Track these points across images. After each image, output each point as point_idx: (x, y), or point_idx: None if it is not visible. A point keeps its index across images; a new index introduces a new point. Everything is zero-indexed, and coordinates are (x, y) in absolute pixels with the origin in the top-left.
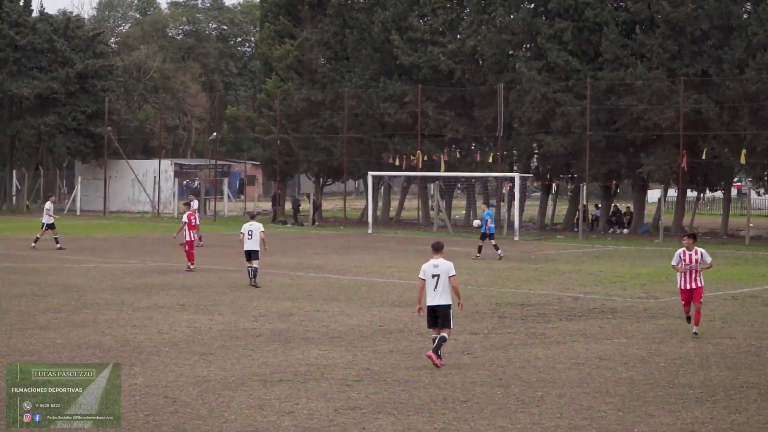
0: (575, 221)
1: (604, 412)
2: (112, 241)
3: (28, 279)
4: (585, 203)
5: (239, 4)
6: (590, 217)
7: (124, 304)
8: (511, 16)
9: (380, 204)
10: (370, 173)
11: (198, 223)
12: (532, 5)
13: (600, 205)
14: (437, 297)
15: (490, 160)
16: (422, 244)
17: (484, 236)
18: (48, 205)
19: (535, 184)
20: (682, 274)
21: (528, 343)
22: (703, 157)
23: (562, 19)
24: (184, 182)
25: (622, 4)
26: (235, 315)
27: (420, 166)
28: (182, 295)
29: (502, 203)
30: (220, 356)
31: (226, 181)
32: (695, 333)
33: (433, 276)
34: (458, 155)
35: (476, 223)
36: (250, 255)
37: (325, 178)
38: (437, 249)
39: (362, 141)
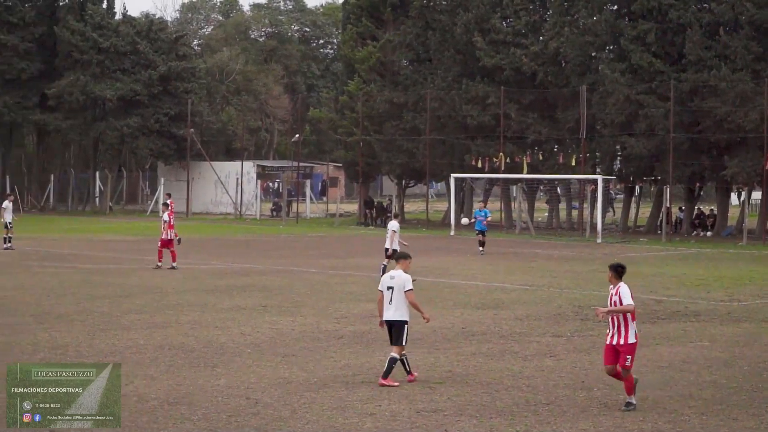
0: (658, 224)
1: (687, 415)
2: (195, 242)
3: (110, 280)
4: (668, 206)
5: (321, 6)
6: (673, 219)
7: (206, 306)
8: (594, 18)
9: (463, 206)
10: (453, 175)
11: (174, 222)
12: (616, 6)
13: (683, 208)
14: (391, 311)
15: (573, 163)
16: (504, 246)
17: (480, 232)
18: (6, 204)
19: (618, 187)
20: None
21: None
22: None
23: (645, 21)
24: (266, 184)
25: (705, 5)
26: (318, 317)
27: (502, 168)
28: (264, 297)
29: (585, 205)
30: (302, 358)
31: (308, 182)
32: (628, 404)
33: (388, 288)
34: (541, 157)
35: (465, 221)
36: (391, 253)
37: (408, 179)
38: (398, 259)
39: (444, 143)
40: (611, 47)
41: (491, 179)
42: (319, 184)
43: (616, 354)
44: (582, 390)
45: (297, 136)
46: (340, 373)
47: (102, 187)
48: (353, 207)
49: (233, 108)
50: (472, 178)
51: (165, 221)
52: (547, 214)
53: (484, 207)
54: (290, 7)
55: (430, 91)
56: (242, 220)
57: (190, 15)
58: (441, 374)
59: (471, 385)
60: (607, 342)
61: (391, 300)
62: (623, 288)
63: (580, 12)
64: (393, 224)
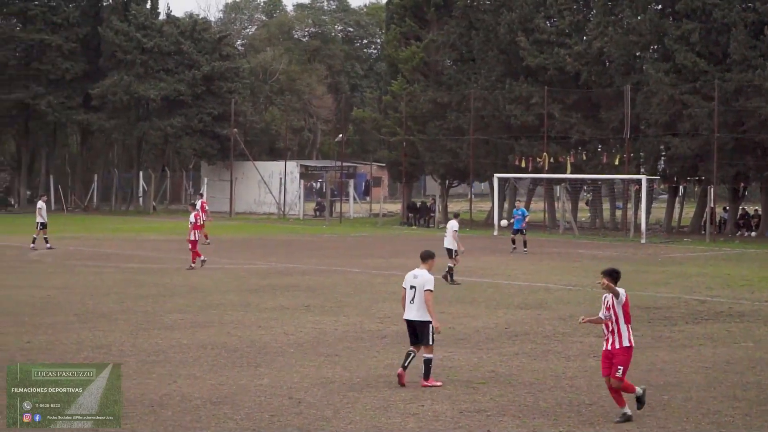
0: (702, 224)
1: (731, 416)
2: (238, 242)
3: (154, 280)
4: (712, 206)
5: (365, 6)
6: (718, 219)
7: (249, 305)
8: (638, 18)
9: (506, 206)
10: (496, 175)
11: (202, 222)
12: (660, 6)
13: (728, 208)
14: (413, 310)
15: (617, 162)
16: (548, 246)
17: (516, 231)
18: (40, 204)
19: (662, 187)
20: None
21: (654, 346)
22: None
23: (689, 20)
24: (309, 184)
25: (750, 5)
26: (361, 317)
27: (546, 168)
28: (307, 297)
29: (629, 205)
30: (345, 358)
31: (351, 182)
32: (623, 414)
33: (411, 287)
34: (584, 157)
35: (504, 222)
36: (447, 253)
37: (451, 179)
38: (423, 258)
39: (488, 143)
40: (655, 47)
41: (535, 179)
42: (363, 184)
43: (611, 361)
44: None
45: (340, 135)
46: (383, 373)
47: (145, 187)
48: (396, 207)
49: (277, 108)
50: (515, 178)
51: (191, 222)
52: (589, 214)
53: (522, 206)
54: (334, 7)
55: (473, 90)
56: (285, 220)
57: (233, 15)
58: (484, 374)
59: (514, 386)
60: (605, 348)
61: (413, 299)
62: (615, 295)
63: (624, 12)
64: (453, 224)
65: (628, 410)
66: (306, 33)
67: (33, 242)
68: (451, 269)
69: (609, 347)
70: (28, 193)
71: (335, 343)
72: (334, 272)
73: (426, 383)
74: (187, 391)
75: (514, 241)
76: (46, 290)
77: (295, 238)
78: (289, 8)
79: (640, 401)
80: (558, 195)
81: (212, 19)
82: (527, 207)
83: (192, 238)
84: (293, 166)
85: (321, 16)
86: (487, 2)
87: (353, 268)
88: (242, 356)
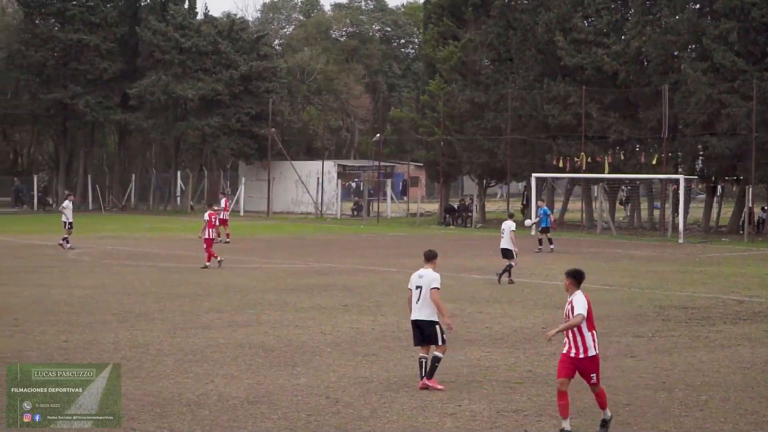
0: (740, 224)
1: None
2: (275, 241)
3: (191, 279)
4: (751, 206)
5: (403, 5)
6: (756, 219)
7: (287, 305)
8: (676, 17)
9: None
10: (534, 175)
11: (217, 222)
12: (698, 5)
13: (766, 208)
14: (419, 311)
15: (655, 162)
16: (586, 246)
17: (544, 230)
18: (66, 203)
19: (700, 186)
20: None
21: (692, 346)
22: None
23: (727, 20)
24: (346, 184)
25: None
26: (398, 316)
27: (584, 168)
28: (345, 296)
29: (666, 205)
30: (382, 357)
31: (389, 182)
32: (604, 420)
33: (416, 287)
34: (622, 157)
35: (528, 222)
36: (503, 253)
37: (488, 179)
38: (428, 258)
39: (525, 142)
40: (693, 46)
41: (572, 179)
42: (400, 183)
43: (573, 366)
44: (662, 391)
45: (378, 135)
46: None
47: (183, 187)
48: (434, 207)
49: (314, 107)
50: (553, 178)
51: (205, 220)
52: (627, 213)
53: (544, 206)
54: (371, 6)
55: (511, 90)
56: (323, 219)
57: (271, 15)
58: (521, 374)
59: (551, 385)
60: (564, 352)
61: (418, 299)
62: (577, 297)
63: (662, 11)
64: (510, 224)
65: (609, 413)
66: (344, 33)
67: (67, 242)
68: (509, 268)
69: (572, 355)
70: (66, 192)
71: (372, 342)
72: (372, 272)
73: (428, 382)
74: (225, 391)
75: (541, 242)
76: (83, 289)
77: (333, 238)
78: (327, 8)
79: (604, 425)
80: (595, 195)
81: (250, 18)
82: (564, 206)
83: (207, 236)
84: (331, 166)
85: (359, 16)
86: (525, 2)
87: (391, 267)
88: (279, 356)
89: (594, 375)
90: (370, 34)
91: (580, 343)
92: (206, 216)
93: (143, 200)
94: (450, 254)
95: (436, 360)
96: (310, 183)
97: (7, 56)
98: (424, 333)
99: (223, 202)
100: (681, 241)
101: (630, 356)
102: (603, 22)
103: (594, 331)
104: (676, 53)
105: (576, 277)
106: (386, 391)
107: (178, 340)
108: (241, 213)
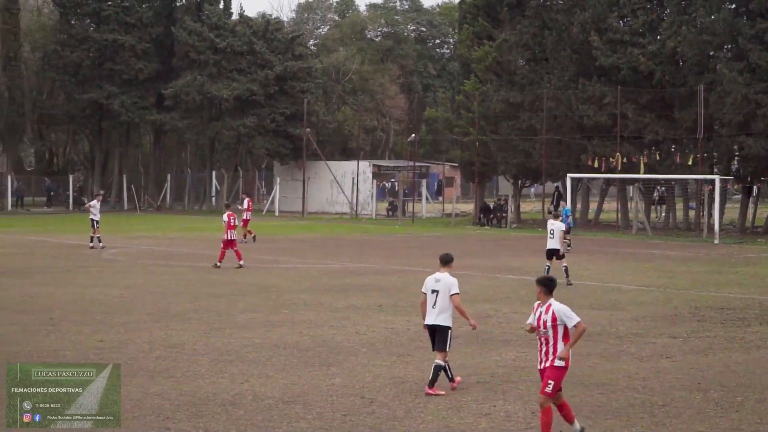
0: None
1: None
2: (310, 242)
3: (226, 279)
4: None
5: (438, 5)
6: None
7: (321, 305)
8: (712, 17)
9: (579, 206)
10: (569, 175)
11: (236, 223)
12: (734, 5)
13: None
14: (434, 315)
15: (690, 163)
16: (621, 246)
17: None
18: (93, 202)
19: (736, 187)
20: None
21: (728, 347)
22: None
23: (763, 19)
24: (381, 184)
25: None
26: None
27: (619, 168)
28: (380, 296)
29: (701, 206)
30: (417, 357)
31: (424, 182)
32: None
33: (433, 291)
34: (658, 157)
35: None
36: (551, 254)
37: (524, 179)
38: (445, 262)
39: (561, 143)
40: (729, 46)
41: (607, 179)
42: (435, 183)
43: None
44: (698, 392)
45: (413, 135)
46: (455, 373)
47: (218, 187)
48: (469, 207)
49: (349, 108)
50: (588, 178)
51: (224, 221)
52: (658, 214)
53: (566, 206)
54: (406, 6)
55: (546, 90)
56: (358, 219)
57: (306, 15)
58: None
59: (586, 386)
60: (539, 368)
61: (435, 304)
62: (558, 307)
63: (698, 11)
64: (559, 224)
65: (577, 425)
66: (379, 33)
67: (99, 241)
68: (565, 268)
69: (541, 367)
70: (102, 192)
71: (407, 342)
72: (407, 272)
73: (430, 391)
74: (260, 391)
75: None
76: (119, 289)
77: (368, 238)
78: (362, 8)
79: None
80: (631, 195)
81: (285, 19)
82: (599, 206)
83: (226, 238)
84: (366, 166)
85: (394, 16)
86: (560, 2)
87: (426, 267)
88: (314, 356)
89: (552, 383)
90: (405, 34)
91: (551, 354)
92: (225, 217)
93: (178, 200)
94: (485, 255)
95: (438, 369)
96: (345, 183)
97: (43, 56)
98: (436, 337)
99: (246, 202)
100: (716, 241)
101: (665, 357)
102: (638, 22)
103: (567, 343)
104: (711, 53)
105: (548, 286)
106: (421, 391)
107: (213, 340)
108: (276, 213)
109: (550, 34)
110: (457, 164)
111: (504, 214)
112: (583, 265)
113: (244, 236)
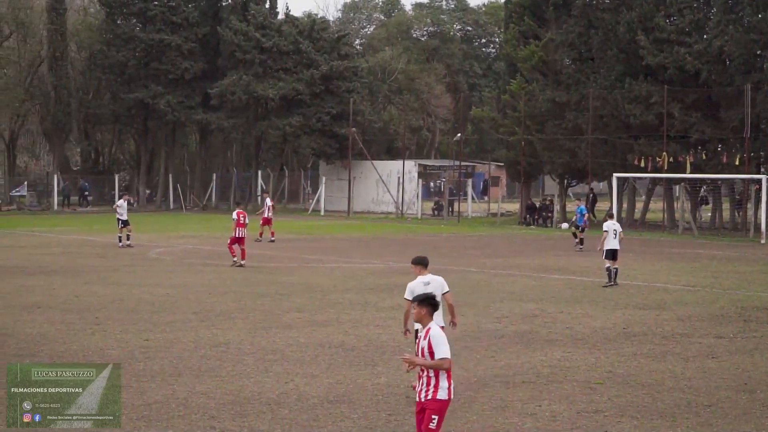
0: None
1: None
2: (356, 241)
3: (271, 278)
4: None
5: (484, 5)
6: None
7: (367, 304)
8: (759, 16)
9: (625, 206)
10: (615, 175)
11: (247, 221)
12: None
13: None
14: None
15: (737, 162)
16: (667, 246)
17: (582, 229)
18: (120, 202)
19: None
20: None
21: None
22: None
23: None
24: (427, 183)
25: None
26: (478, 316)
27: (665, 168)
28: None
29: (749, 205)
30: (462, 357)
31: (470, 182)
32: None
33: None
34: (704, 157)
35: (564, 225)
36: (614, 254)
37: (570, 179)
38: (425, 264)
39: (607, 142)
40: None
41: (654, 179)
42: (481, 183)
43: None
44: (744, 392)
45: (459, 135)
46: (500, 373)
47: (264, 186)
48: (515, 206)
49: (395, 107)
50: (634, 178)
51: (233, 219)
52: (700, 214)
53: (582, 205)
54: (452, 6)
55: (592, 90)
56: (403, 219)
57: (352, 14)
58: (601, 375)
59: (632, 386)
60: (417, 399)
61: None
62: (435, 333)
63: (745, 10)
64: (615, 225)
65: None
66: (425, 32)
67: (127, 239)
68: (616, 270)
69: (421, 398)
70: (147, 191)
71: (452, 342)
72: (452, 272)
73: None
74: (304, 390)
75: (582, 241)
76: (165, 288)
77: (413, 238)
78: (408, 8)
79: None
80: (677, 195)
81: (330, 18)
82: (646, 206)
83: (235, 235)
84: (411, 166)
85: (440, 16)
86: (607, 1)
87: (471, 267)
88: (360, 355)
89: (435, 417)
90: (451, 33)
91: (432, 384)
92: (234, 215)
93: (224, 200)
94: (531, 254)
95: None
96: (391, 183)
97: (89, 56)
98: None
99: (267, 201)
100: (763, 241)
101: (711, 357)
102: (685, 21)
103: (450, 378)
104: (758, 52)
105: (433, 305)
106: (466, 390)
107: (259, 339)
108: (322, 213)
109: (596, 33)
110: (502, 164)
111: (550, 214)
112: (629, 265)
113: (260, 234)
